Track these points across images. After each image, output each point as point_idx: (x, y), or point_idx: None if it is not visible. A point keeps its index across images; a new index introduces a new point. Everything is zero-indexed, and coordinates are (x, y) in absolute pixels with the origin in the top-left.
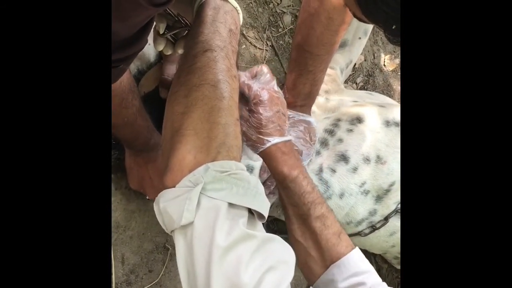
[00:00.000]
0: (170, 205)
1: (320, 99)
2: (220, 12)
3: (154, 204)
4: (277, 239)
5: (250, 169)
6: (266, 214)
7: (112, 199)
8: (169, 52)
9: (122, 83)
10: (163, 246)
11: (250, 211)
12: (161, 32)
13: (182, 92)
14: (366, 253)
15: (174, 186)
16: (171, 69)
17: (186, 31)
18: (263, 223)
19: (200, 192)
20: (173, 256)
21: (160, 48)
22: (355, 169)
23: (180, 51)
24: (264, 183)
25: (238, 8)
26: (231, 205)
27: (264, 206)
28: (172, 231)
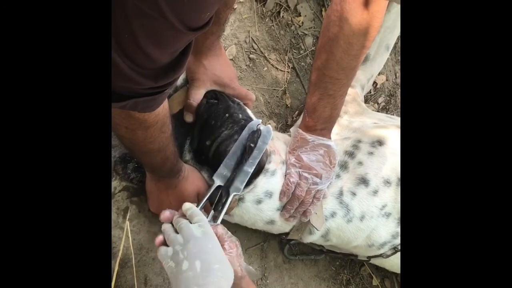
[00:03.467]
0: None
1: (339, 120)
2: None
3: None
4: None
5: (269, 194)
6: None
7: (135, 221)
8: None
9: (164, 106)
10: None
11: None
12: None
13: None
14: (387, 272)
15: None
16: (197, 94)
17: None
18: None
19: None
20: None
21: None
22: (375, 192)
23: None
24: (284, 207)
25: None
26: None
27: None
28: None
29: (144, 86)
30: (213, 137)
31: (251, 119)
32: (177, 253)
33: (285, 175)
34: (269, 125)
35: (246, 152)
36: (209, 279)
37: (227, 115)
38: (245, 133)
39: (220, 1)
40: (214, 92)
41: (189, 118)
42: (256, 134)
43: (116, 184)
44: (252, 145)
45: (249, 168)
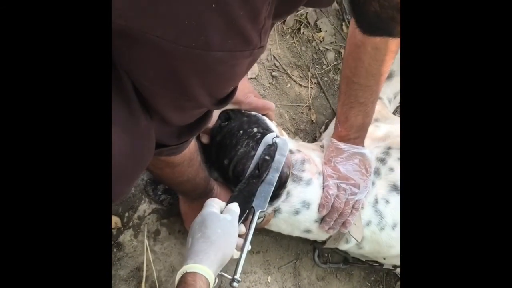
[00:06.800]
0: None
1: (369, 128)
2: None
3: None
4: None
5: (306, 205)
6: None
7: (167, 243)
8: None
9: (190, 145)
10: None
11: None
12: None
13: None
14: None
15: None
16: (213, 115)
17: None
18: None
19: None
20: None
21: None
22: None
23: None
24: (323, 219)
25: None
26: None
27: None
28: None
29: (167, 143)
30: (229, 156)
31: (268, 131)
32: None
33: (323, 187)
34: (284, 138)
35: (261, 166)
36: (193, 249)
37: (241, 132)
38: (261, 148)
39: (245, 73)
40: (226, 112)
41: (205, 139)
42: (272, 148)
43: (145, 207)
44: (267, 157)
45: (270, 182)
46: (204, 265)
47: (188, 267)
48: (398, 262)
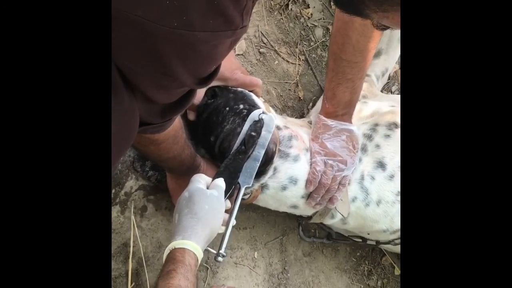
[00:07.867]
0: None
1: (357, 105)
2: None
3: None
4: None
5: (293, 181)
6: None
7: (153, 219)
8: None
9: (175, 121)
10: (203, 264)
11: None
12: None
13: None
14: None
15: None
16: (198, 92)
17: None
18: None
19: None
20: (215, 273)
21: None
22: (391, 177)
23: None
24: (310, 195)
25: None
26: None
27: None
28: None
29: (151, 122)
30: (216, 132)
31: (255, 107)
32: None
33: (310, 164)
34: (271, 114)
35: (247, 142)
36: (180, 225)
37: (227, 109)
38: (247, 124)
39: (227, 52)
40: (213, 89)
41: (191, 116)
42: (258, 124)
43: (132, 183)
44: (253, 133)
45: (256, 159)
46: (192, 241)
47: (177, 243)
48: (381, 237)
